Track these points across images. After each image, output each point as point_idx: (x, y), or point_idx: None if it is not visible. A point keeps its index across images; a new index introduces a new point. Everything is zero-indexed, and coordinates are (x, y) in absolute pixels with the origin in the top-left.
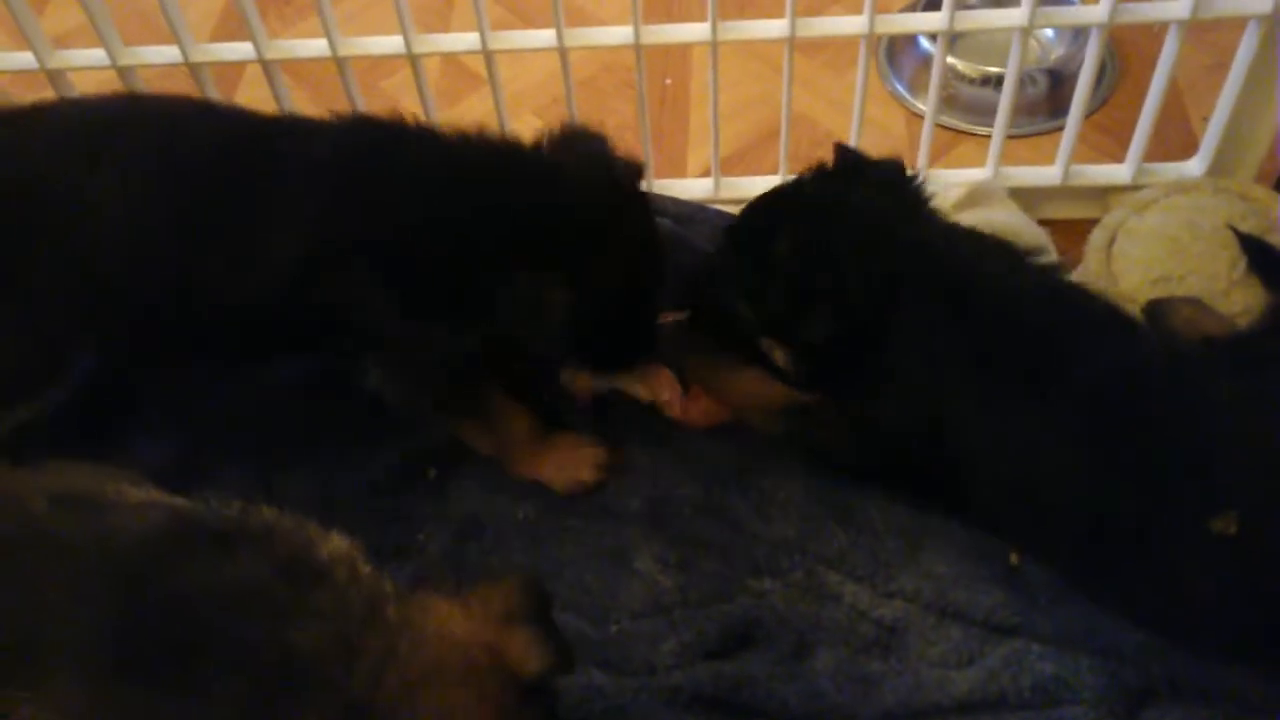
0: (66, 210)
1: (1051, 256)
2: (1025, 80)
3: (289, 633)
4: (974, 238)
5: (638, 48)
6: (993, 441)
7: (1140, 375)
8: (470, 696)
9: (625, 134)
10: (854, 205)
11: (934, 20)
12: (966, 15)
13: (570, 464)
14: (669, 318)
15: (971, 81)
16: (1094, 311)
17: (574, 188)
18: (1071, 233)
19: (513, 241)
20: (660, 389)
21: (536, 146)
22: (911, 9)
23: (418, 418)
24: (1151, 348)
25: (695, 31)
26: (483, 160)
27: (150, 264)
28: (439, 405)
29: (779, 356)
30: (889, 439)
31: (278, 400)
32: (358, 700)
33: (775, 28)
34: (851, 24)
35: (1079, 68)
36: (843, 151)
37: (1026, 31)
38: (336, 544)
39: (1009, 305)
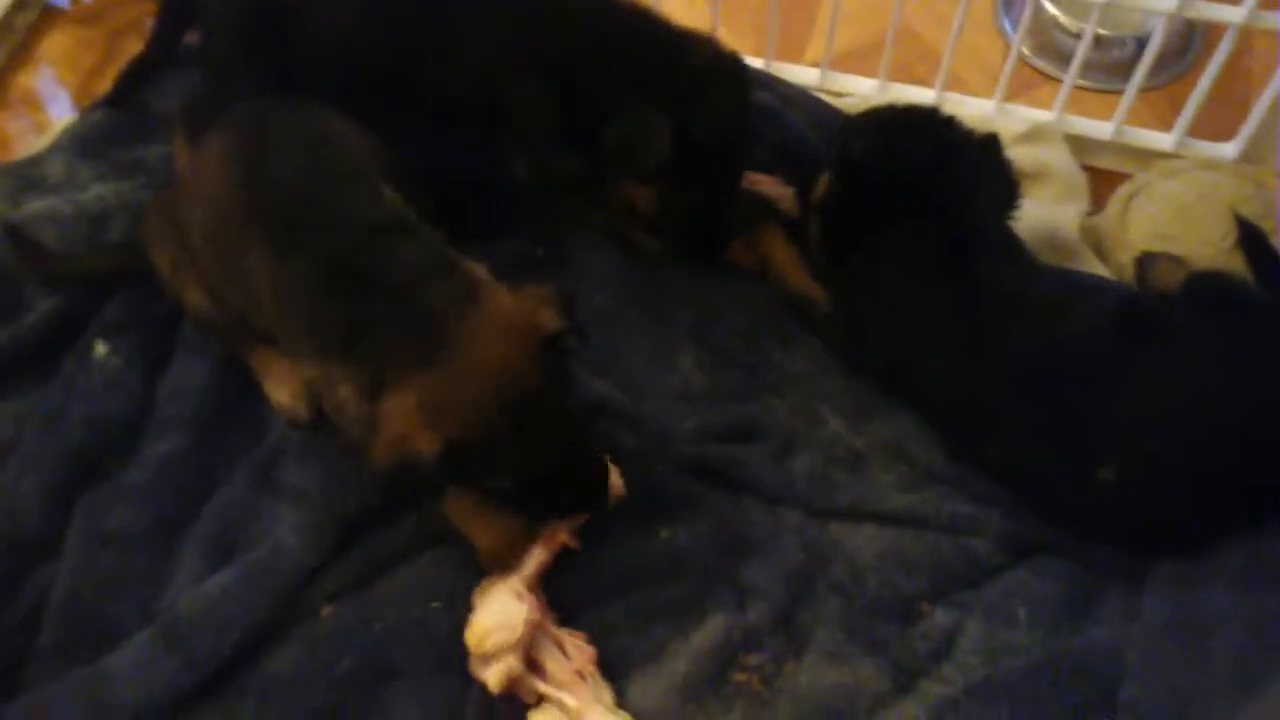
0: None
1: (1083, 205)
2: (1114, 42)
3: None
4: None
5: None
6: (939, 379)
7: (1070, 346)
8: (510, 338)
9: (758, 16)
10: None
11: None
12: None
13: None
14: (758, 180)
15: (1072, 35)
16: (1053, 291)
17: (695, 53)
18: (1109, 183)
19: (638, 83)
20: None
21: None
22: None
23: (543, 202)
24: (1085, 324)
25: None
26: (636, 20)
27: (382, 57)
28: (568, 186)
29: (813, 226)
30: (864, 342)
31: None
32: (427, 308)
33: None
34: None
35: (1169, 40)
36: (991, 138)
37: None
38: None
39: (992, 280)
